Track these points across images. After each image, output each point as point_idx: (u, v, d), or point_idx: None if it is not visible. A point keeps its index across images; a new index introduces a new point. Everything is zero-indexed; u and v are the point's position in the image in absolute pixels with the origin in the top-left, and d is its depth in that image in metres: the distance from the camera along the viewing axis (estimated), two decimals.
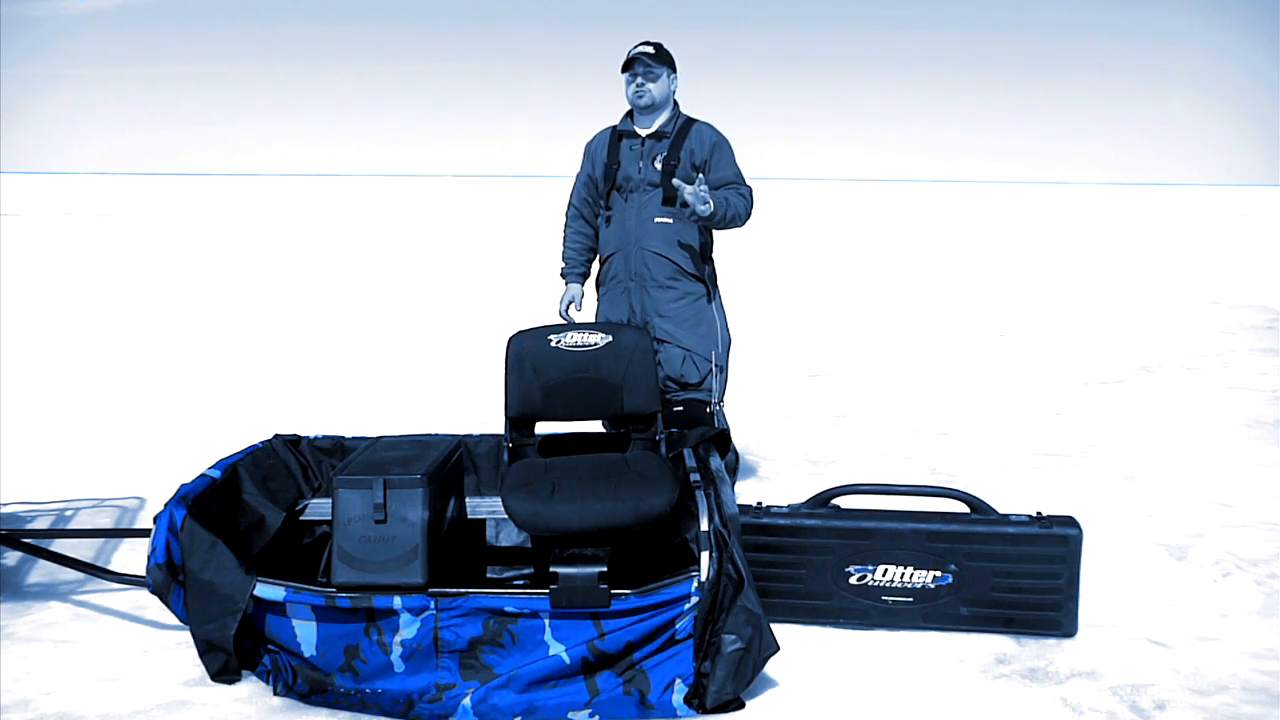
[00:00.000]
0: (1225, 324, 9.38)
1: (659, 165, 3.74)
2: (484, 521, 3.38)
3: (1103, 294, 11.83)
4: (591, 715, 2.52)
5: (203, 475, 2.92)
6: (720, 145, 3.80)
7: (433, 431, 3.74)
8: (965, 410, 5.87)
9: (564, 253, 4.03)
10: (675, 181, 3.60)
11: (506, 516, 2.82)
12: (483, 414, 5.55)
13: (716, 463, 2.93)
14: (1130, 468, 4.69)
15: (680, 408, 3.78)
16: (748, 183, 3.83)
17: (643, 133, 3.81)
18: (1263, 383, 6.70)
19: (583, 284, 4.02)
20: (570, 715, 2.52)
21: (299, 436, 3.37)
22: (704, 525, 2.57)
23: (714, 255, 3.96)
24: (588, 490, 2.74)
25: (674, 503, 2.73)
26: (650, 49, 3.75)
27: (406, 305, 10.39)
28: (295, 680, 2.61)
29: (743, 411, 5.67)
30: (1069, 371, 7.07)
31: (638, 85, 3.74)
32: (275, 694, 2.60)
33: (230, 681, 2.65)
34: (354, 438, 3.40)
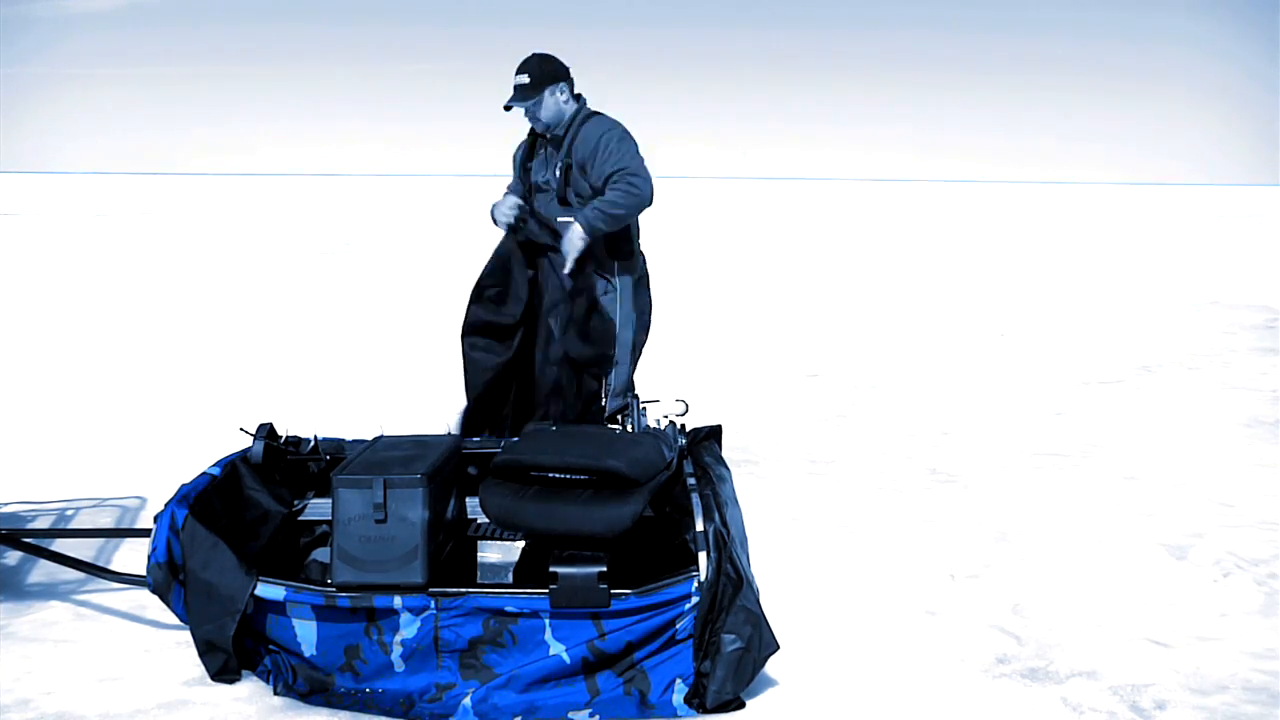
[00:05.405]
0: (1225, 324, 9.38)
1: (559, 172, 3.72)
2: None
3: (1103, 294, 11.84)
4: (592, 715, 2.52)
5: (203, 474, 2.92)
6: (601, 143, 3.64)
7: (432, 431, 3.74)
8: (965, 410, 5.87)
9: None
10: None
11: None
12: None
13: (716, 452, 2.90)
14: (1130, 468, 4.69)
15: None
16: (634, 170, 3.62)
17: (549, 137, 3.78)
18: (1263, 383, 6.71)
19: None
20: (570, 715, 2.52)
21: (298, 437, 3.37)
22: (700, 525, 2.58)
23: (637, 246, 3.83)
24: (559, 494, 2.71)
25: (638, 516, 2.67)
26: (525, 78, 3.64)
27: (406, 305, 10.38)
28: (295, 680, 2.61)
29: (743, 411, 5.67)
30: (1069, 371, 7.07)
31: (525, 117, 3.72)
32: (275, 693, 2.60)
33: (230, 681, 2.65)
34: (354, 439, 3.40)
